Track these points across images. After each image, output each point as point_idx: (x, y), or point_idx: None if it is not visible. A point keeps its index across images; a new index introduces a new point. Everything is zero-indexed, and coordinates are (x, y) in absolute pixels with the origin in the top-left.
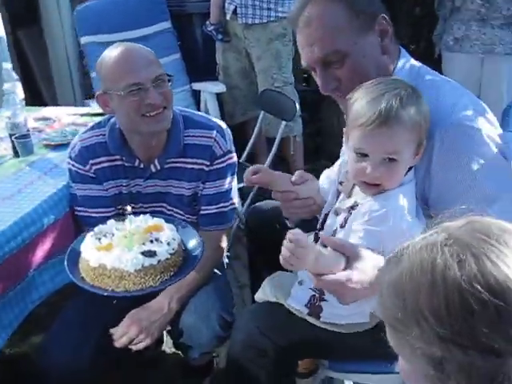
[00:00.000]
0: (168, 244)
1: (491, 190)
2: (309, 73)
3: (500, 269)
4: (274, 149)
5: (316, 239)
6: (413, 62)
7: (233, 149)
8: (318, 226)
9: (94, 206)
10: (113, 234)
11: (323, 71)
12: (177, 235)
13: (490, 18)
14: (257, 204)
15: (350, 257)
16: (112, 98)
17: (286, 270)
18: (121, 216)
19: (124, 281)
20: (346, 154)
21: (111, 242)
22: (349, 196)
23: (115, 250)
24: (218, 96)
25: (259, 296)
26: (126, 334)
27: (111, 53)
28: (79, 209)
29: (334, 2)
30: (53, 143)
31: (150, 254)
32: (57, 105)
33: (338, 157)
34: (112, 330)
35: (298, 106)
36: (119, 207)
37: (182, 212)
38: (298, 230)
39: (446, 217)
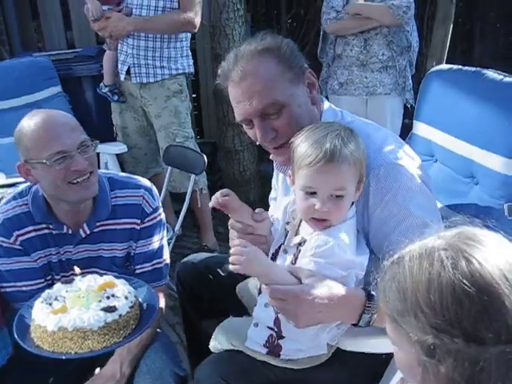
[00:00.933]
0: (126, 298)
1: (421, 219)
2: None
3: (486, 269)
4: (185, 203)
5: None
6: (332, 106)
7: (160, 205)
8: None
9: (23, 279)
10: (64, 297)
11: (261, 122)
12: (131, 288)
13: (369, 62)
14: (186, 259)
15: (302, 279)
16: (35, 167)
17: (227, 316)
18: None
19: (88, 340)
20: (293, 194)
21: (65, 305)
22: (296, 234)
23: (73, 311)
24: (118, 157)
25: (214, 346)
26: None
27: (30, 121)
28: (6, 285)
29: (265, 57)
30: None
31: (111, 309)
32: None
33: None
34: None
35: (206, 159)
36: (49, 278)
37: (115, 275)
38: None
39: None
